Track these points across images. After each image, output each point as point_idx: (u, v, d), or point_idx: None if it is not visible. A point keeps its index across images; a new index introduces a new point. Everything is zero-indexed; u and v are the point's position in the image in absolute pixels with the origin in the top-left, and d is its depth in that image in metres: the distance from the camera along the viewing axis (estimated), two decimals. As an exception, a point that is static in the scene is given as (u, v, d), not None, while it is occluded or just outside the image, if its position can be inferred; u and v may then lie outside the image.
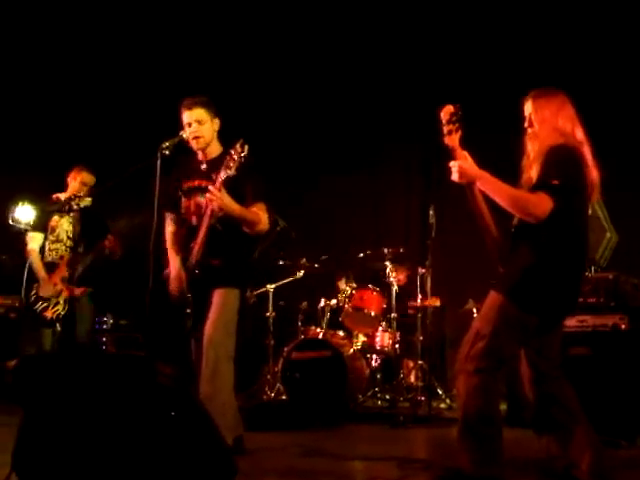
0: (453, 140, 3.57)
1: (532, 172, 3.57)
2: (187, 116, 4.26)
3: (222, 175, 3.99)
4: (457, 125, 3.56)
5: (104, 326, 8.19)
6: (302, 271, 7.29)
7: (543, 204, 3.40)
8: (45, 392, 2.37)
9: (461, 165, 3.53)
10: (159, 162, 3.97)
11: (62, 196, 6.07)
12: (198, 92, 4.35)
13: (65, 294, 5.84)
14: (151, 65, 8.40)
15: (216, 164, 4.15)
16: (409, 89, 8.02)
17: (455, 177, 3.55)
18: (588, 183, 3.52)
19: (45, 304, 5.80)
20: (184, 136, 4.21)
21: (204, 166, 4.34)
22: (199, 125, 4.24)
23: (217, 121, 4.36)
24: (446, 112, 3.59)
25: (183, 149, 4.30)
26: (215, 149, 4.37)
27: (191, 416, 2.27)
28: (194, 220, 4.31)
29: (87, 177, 6.08)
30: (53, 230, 5.99)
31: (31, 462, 2.31)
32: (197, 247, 4.15)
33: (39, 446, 2.30)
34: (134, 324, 8.38)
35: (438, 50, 8.01)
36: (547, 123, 3.60)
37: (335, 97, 8.48)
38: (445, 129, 3.58)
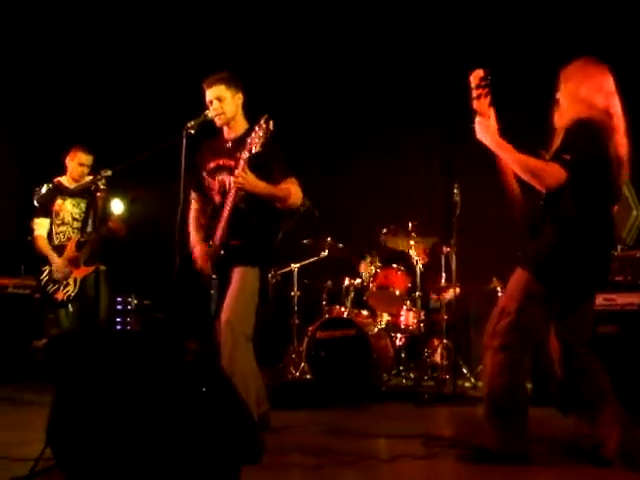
0: (482, 104, 3.55)
1: (554, 145, 3.54)
2: (208, 94, 4.22)
3: (246, 154, 3.93)
4: (486, 90, 3.53)
5: (128, 306, 8.24)
6: (326, 250, 7.29)
7: (554, 173, 3.38)
8: (77, 370, 2.39)
9: (481, 121, 3.51)
10: (184, 141, 3.95)
11: (63, 179, 6.09)
12: (226, 69, 4.31)
13: (74, 275, 5.83)
14: (178, 42, 8.38)
15: (241, 141, 4.10)
16: (431, 68, 7.95)
17: (476, 130, 3.53)
18: (613, 159, 3.47)
19: (55, 286, 5.81)
20: (209, 115, 4.18)
21: (229, 144, 4.29)
22: (219, 102, 4.19)
23: (240, 96, 4.29)
24: (475, 76, 3.55)
25: (209, 129, 4.28)
26: (240, 126, 4.31)
27: (220, 393, 2.28)
28: (217, 199, 4.28)
29: (83, 157, 6.05)
30: (57, 214, 5.99)
31: (65, 438, 2.34)
32: (221, 228, 4.12)
33: (72, 422, 2.32)
34: (158, 304, 8.43)
35: (460, 27, 7.93)
36: (570, 94, 3.57)
37: (357, 76, 8.43)
38: (474, 93, 3.55)
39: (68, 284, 5.81)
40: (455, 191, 6.24)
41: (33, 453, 2.81)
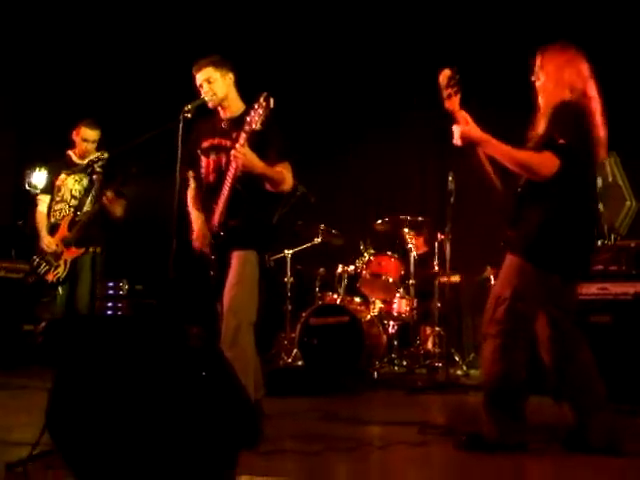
0: (453, 103, 3.58)
1: (539, 127, 3.56)
2: (197, 78, 4.18)
3: (246, 130, 3.87)
4: (455, 88, 3.57)
5: (120, 292, 8.21)
6: (320, 237, 7.28)
7: (549, 163, 3.41)
8: (78, 354, 2.37)
9: (462, 129, 3.53)
10: (181, 125, 3.91)
11: (71, 153, 5.95)
12: (222, 54, 4.27)
13: (65, 256, 5.68)
14: (177, 26, 8.34)
15: (238, 122, 4.05)
16: (428, 55, 7.92)
17: (457, 141, 3.55)
18: (594, 141, 3.54)
19: (47, 267, 5.67)
20: (206, 99, 4.14)
21: (224, 124, 4.23)
22: (209, 84, 4.14)
23: (230, 76, 4.21)
24: (444, 76, 3.60)
25: (206, 112, 4.24)
26: (235, 106, 4.25)
27: (221, 378, 2.27)
28: (212, 179, 4.20)
29: (87, 133, 5.87)
30: (59, 189, 5.85)
31: (64, 421, 2.33)
32: (219, 208, 4.07)
33: (72, 406, 2.31)
34: (150, 290, 8.40)
35: (455, 16, 7.94)
36: (552, 76, 3.61)
37: (354, 64, 8.42)
38: (444, 93, 3.59)
39: (59, 265, 5.66)
40: (450, 179, 6.24)
41: (28, 438, 2.80)
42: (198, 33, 8.20)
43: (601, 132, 3.57)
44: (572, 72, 3.58)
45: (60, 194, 5.82)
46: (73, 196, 5.81)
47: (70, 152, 5.98)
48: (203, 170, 4.28)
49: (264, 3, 8.29)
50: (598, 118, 3.56)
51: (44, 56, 8.39)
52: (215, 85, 4.15)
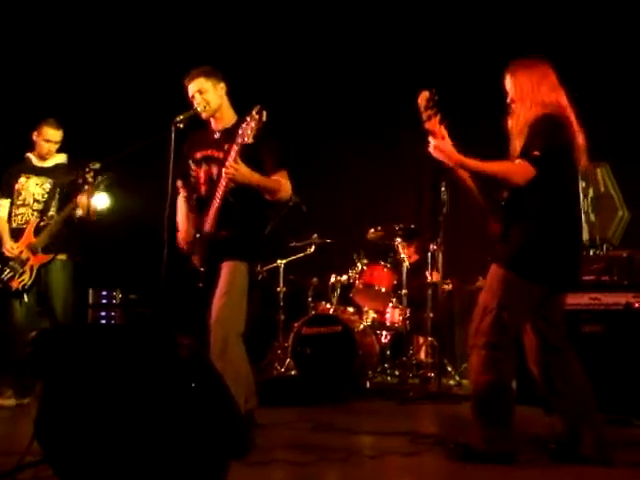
0: (433, 124, 3.63)
1: (517, 148, 3.61)
2: (190, 89, 4.19)
3: (238, 143, 3.86)
4: (435, 109, 3.62)
5: (113, 301, 8.19)
6: (313, 247, 7.28)
7: (523, 171, 3.46)
8: (65, 364, 2.37)
9: (436, 144, 3.58)
10: (173, 135, 3.91)
11: (31, 155, 5.74)
12: (214, 62, 4.28)
13: (31, 262, 5.46)
14: (169, 34, 8.33)
15: (230, 133, 4.05)
16: (423, 66, 7.96)
17: (434, 154, 3.59)
18: (575, 147, 3.59)
19: (11, 273, 5.43)
20: (198, 110, 4.15)
21: (217, 135, 4.24)
22: (201, 94, 4.15)
23: (222, 86, 4.23)
24: (422, 98, 3.66)
25: (198, 123, 4.25)
26: (228, 117, 4.26)
27: (210, 388, 2.27)
28: (203, 190, 4.22)
29: (49, 133, 5.66)
30: (19, 193, 5.63)
31: (53, 431, 2.32)
32: (209, 219, 4.07)
33: (61, 416, 2.31)
34: (144, 299, 8.38)
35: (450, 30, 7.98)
36: (528, 98, 3.65)
37: (350, 71, 8.43)
38: (424, 115, 3.64)
39: (24, 272, 5.43)
40: (442, 189, 6.25)
41: (16, 447, 2.79)
42: (189, 40, 8.20)
43: (579, 139, 3.62)
44: (546, 87, 3.64)
45: (21, 198, 5.63)
46: (36, 200, 5.62)
47: (30, 154, 5.78)
48: (195, 181, 4.29)
49: (263, 8, 8.30)
50: (575, 125, 3.62)
51: (34, 62, 8.31)
52: (207, 95, 4.17)
